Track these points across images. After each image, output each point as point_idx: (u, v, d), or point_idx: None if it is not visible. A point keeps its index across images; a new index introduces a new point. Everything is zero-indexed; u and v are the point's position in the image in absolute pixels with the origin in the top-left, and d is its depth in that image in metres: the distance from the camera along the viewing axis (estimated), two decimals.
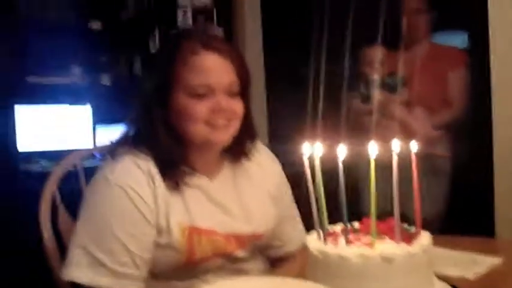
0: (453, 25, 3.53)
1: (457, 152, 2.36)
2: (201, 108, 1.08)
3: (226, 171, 1.21)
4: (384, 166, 0.83)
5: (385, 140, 0.90)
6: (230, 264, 1.17)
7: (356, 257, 0.80)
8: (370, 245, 0.83)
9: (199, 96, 1.08)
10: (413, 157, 0.88)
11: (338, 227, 0.92)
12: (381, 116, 2.27)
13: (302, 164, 0.89)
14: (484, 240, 1.30)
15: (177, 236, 1.08)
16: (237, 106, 1.12)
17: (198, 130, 1.09)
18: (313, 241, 0.88)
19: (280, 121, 2.86)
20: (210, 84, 1.08)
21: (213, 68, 1.09)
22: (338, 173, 0.84)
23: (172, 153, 1.11)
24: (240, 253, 1.18)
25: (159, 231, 1.08)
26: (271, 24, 3.03)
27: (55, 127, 3.15)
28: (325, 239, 0.86)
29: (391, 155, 0.84)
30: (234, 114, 1.12)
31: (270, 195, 1.25)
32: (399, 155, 0.84)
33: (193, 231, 1.10)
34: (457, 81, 2.35)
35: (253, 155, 1.24)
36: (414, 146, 0.89)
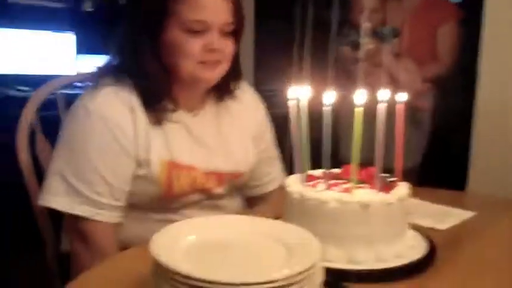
0: None
1: (439, 106, 2.38)
2: (194, 45, 1.06)
3: (209, 109, 1.20)
4: (367, 115, 0.83)
5: (371, 89, 0.89)
6: (208, 200, 1.18)
7: (334, 201, 0.81)
8: (349, 190, 0.83)
9: (194, 32, 1.05)
10: (400, 108, 0.88)
11: (318, 172, 0.93)
12: (370, 65, 2.26)
13: (287, 107, 0.88)
14: (457, 193, 1.33)
15: (156, 169, 1.08)
16: (229, 46, 1.10)
17: (188, 66, 1.07)
18: (293, 183, 0.88)
19: (267, 62, 2.82)
20: (206, 21, 1.05)
21: (211, 5, 1.06)
22: (323, 119, 0.83)
23: (158, 86, 1.09)
24: (219, 190, 1.19)
25: (139, 164, 1.08)
26: None
27: (36, 52, 3.06)
28: (304, 182, 0.87)
29: (376, 103, 0.84)
30: (225, 54, 1.10)
31: (251, 135, 1.25)
32: (384, 104, 0.84)
33: (172, 166, 1.10)
34: (446, 35, 2.33)
35: (237, 95, 1.23)
36: (402, 96, 0.88)
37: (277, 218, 0.92)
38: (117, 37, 1.13)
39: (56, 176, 1.04)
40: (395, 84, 2.22)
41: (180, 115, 1.14)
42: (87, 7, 3.31)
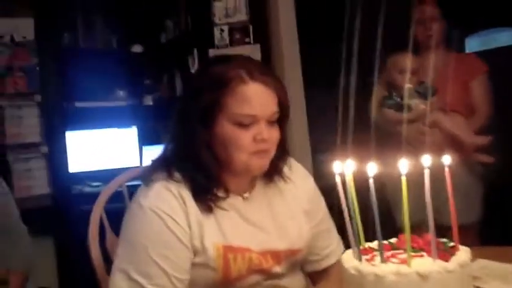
0: (499, 22, 3.47)
1: (498, 157, 2.30)
2: (246, 137, 1.11)
3: (259, 190, 1.23)
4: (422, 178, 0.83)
5: (431, 149, 0.89)
6: (268, 281, 1.19)
7: (391, 274, 0.79)
8: (406, 261, 0.82)
9: (244, 125, 1.11)
10: (447, 170, 0.87)
11: (374, 244, 0.92)
12: (423, 125, 2.24)
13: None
14: None
15: (212, 255, 1.11)
16: (276, 134, 1.15)
17: (242, 158, 1.12)
18: (349, 259, 0.88)
19: (319, 133, 2.86)
20: (255, 115, 1.11)
21: (259, 99, 1.11)
22: (369, 190, 0.84)
23: (212, 177, 1.14)
24: (277, 269, 1.19)
25: (195, 252, 1.11)
26: (307, 38, 3.05)
27: (104, 149, 3.29)
28: (360, 257, 0.86)
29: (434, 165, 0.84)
30: (273, 143, 1.15)
31: (304, 210, 1.26)
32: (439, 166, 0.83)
33: (227, 250, 1.12)
34: (479, 89, 2.34)
35: (285, 173, 1.26)
36: (447, 159, 0.88)
37: None
38: (170, 130, 1.20)
39: (120, 273, 1.09)
40: (453, 142, 2.19)
41: (231, 200, 1.17)
42: (147, 101, 3.55)
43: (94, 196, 1.47)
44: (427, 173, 0.83)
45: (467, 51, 3.72)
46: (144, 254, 1.08)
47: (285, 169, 1.26)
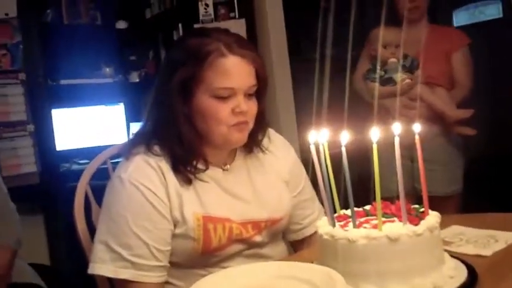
0: None
1: (479, 129, 2.34)
2: (224, 110, 1.12)
3: (238, 162, 1.25)
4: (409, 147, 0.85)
5: (411, 121, 0.92)
6: (249, 250, 1.21)
7: (362, 238, 0.82)
8: (377, 226, 0.85)
9: (223, 98, 1.12)
10: (417, 139, 0.90)
11: (349, 211, 0.94)
12: (407, 98, 2.26)
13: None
14: (505, 216, 1.29)
15: (192, 225, 1.13)
16: (254, 106, 1.17)
17: (221, 131, 1.14)
18: (324, 225, 0.90)
19: (306, 105, 2.88)
20: (233, 88, 1.12)
21: (237, 72, 1.13)
22: (346, 159, 0.86)
23: (192, 150, 1.15)
24: (258, 238, 1.21)
25: (176, 223, 1.13)
26: (292, 12, 3.04)
27: (91, 126, 3.28)
28: (334, 223, 0.89)
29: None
30: (251, 115, 1.16)
31: (284, 180, 1.28)
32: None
33: (207, 220, 1.15)
34: (462, 60, 2.35)
35: (265, 144, 1.28)
36: (417, 127, 0.90)
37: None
38: (149, 104, 1.21)
39: (100, 244, 1.12)
40: (435, 114, 2.21)
41: (211, 172, 1.19)
42: (133, 78, 3.54)
43: (81, 173, 1.48)
44: (397, 140, 0.85)
45: (454, 24, 3.73)
46: (124, 226, 1.10)
47: (265, 140, 1.28)
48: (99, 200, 1.42)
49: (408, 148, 0.85)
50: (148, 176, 1.13)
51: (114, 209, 1.13)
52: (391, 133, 0.87)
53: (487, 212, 1.26)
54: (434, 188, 2.05)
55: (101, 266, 1.10)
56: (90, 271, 1.13)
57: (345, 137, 0.87)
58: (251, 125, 1.18)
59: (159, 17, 3.33)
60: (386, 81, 2.31)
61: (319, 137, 0.91)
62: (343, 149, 0.87)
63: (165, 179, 1.13)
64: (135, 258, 1.09)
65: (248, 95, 1.15)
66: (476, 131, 2.26)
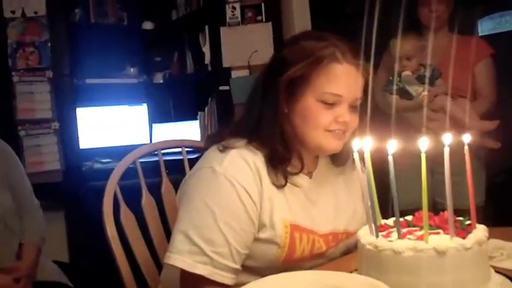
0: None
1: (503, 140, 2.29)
2: (327, 116, 1.10)
3: (321, 169, 1.23)
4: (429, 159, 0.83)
5: (436, 134, 0.89)
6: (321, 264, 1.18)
7: (408, 250, 0.80)
8: (423, 238, 0.83)
9: (328, 104, 1.10)
10: (467, 150, 0.87)
11: (390, 221, 0.92)
12: (430, 110, 2.22)
13: None
14: None
15: (280, 231, 1.10)
16: (356, 120, 1.14)
17: (317, 135, 1.11)
18: (366, 235, 0.89)
19: None
20: (341, 95, 1.10)
21: (348, 80, 1.10)
22: (387, 169, 0.84)
23: (287, 151, 1.13)
24: (335, 253, 1.19)
25: (262, 227, 1.10)
26: (319, 18, 3.02)
27: (115, 126, 3.29)
28: (377, 233, 0.87)
29: (438, 148, 0.84)
30: (352, 128, 1.13)
31: (359, 193, 1.24)
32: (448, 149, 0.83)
33: (294, 229, 1.12)
34: (485, 71, 2.30)
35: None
36: (467, 138, 0.88)
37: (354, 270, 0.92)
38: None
39: (181, 235, 1.06)
40: (458, 126, 2.16)
41: (300, 178, 1.17)
42: (157, 79, 3.55)
43: (104, 172, 1.47)
44: (447, 151, 0.83)
45: (480, 34, 3.67)
46: (211, 220, 1.05)
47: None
48: (126, 201, 1.42)
49: (429, 159, 0.82)
50: (244, 174, 1.09)
51: (201, 201, 1.07)
52: (412, 145, 0.85)
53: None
54: (456, 200, 2.00)
55: (178, 257, 1.05)
56: (166, 261, 1.07)
57: (392, 145, 0.85)
58: (348, 137, 1.14)
59: (185, 19, 3.34)
60: (404, 93, 2.28)
61: (363, 145, 0.89)
62: (390, 158, 0.85)
63: (260, 180, 1.10)
64: (216, 255, 1.04)
65: (352, 107, 1.12)
66: (500, 144, 2.21)
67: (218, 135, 1.18)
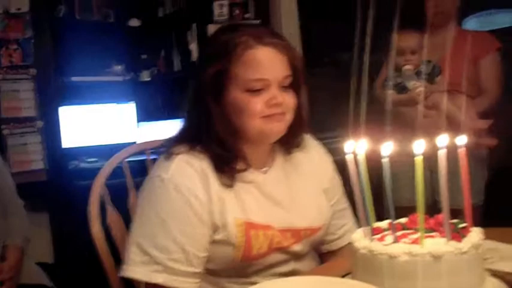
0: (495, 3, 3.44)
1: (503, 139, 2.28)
2: (257, 103, 1.08)
3: (278, 165, 1.21)
4: (428, 157, 0.81)
5: (429, 131, 0.88)
6: (286, 262, 1.17)
7: (404, 255, 0.79)
8: (418, 241, 0.81)
9: (256, 91, 1.08)
10: (462, 151, 0.86)
11: (384, 224, 0.91)
12: (424, 107, 2.21)
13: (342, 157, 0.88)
14: None
15: (233, 231, 1.09)
16: (291, 99, 1.12)
17: (254, 124, 1.09)
18: (360, 238, 0.87)
19: (318, 112, 2.84)
20: (266, 79, 1.08)
21: (268, 62, 1.09)
22: (381, 170, 0.82)
23: (229, 148, 1.11)
24: (297, 247, 1.17)
25: (215, 229, 1.09)
26: (308, 16, 3.00)
27: (101, 124, 3.24)
28: (372, 237, 0.85)
29: (433, 148, 0.82)
30: (288, 107, 1.12)
31: (323, 187, 1.24)
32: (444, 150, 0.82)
33: (249, 226, 1.11)
34: (489, 67, 2.27)
35: (304, 149, 1.24)
36: (462, 139, 0.86)
37: (347, 274, 0.91)
38: (187, 103, 1.17)
39: (134, 247, 1.07)
40: (455, 124, 2.15)
41: (251, 174, 1.15)
42: (144, 77, 3.50)
43: (89, 171, 1.44)
44: (442, 153, 0.81)
45: None
46: (162, 228, 1.05)
47: (304, 145, 1.24)
48: (113, 201, 1.39)
49: (427, 158, 0.81)
50: (190, 178, 1.08)
51: (152, 211, 1.08)
52: (409, 142, 0.83)
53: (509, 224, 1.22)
54: (454, 200, 2.00)
55: (134, 268, 1.06)
56: (122, 274, 1.08)
57: (388, 147, 0.83)
58: (289, 118, 1.13)
59: (172, 16, 3.30)
60: (402, 88, 2.26)
61: (357, 146, 0.87)
62: (385, 160, 0.83)
63: (207, 182, 1.09)
64: (171, 262, 1.04)
65: (284, 88, 1.11)
66: (497, 141, 2.20)
67: (168, 143, 1.17)
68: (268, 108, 1.09)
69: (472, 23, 3.78)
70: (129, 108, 3.33)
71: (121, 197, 1.40)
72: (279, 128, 1.12)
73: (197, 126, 1.13)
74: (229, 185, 1.11)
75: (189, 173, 1.08)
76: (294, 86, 1.13)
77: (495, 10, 3.65)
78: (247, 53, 1.08)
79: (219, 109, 1.10)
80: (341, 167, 1.06)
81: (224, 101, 1.10)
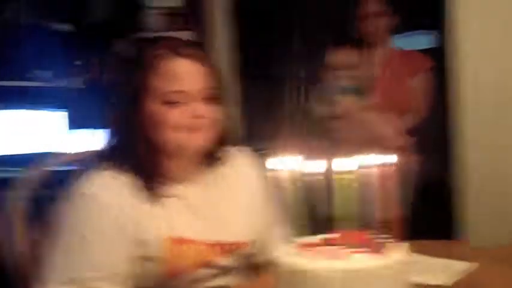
0: (421, 26, 3.60)
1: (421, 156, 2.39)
2: (174, 115, 1.07)
3: (202, 179, 1.19)
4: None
5: (356, 146, 0.89)
6: (215, 277, 1.15)
7: (325, 271, 0.78)
8: (342, 257, 0.81)
9: (173, 103, 1.07)
10: (391, 170, 0.88)
11: (313, 239, 0.90)
12: (351, 122, 2.28)
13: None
14: (451, 244, 1.29)
15: (158, 246, 1.06)
16: (213, 113, 1.11)
17: (172, 137, 1.08)
18: (283, 254, 0.85)
19: (252, 123, 2.84)
20: (183, 91, 1.07)
21: (186, 75, 1.08)
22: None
23: (149, 164, 1.09)
24: (224, 262, 1.15)
25: (139, 245, 1.06)
26: (243, 27, 3.01)
27: (28, 131, 3.08)
28: (295, 252, 0.84)
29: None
30: (210, 120, 1.10)
31: (252, 203, 1.23)
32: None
33: (174, 242, 1.08)
34: (419, 85, 2.38)
35: (231, 162, 1.23)
36: (392, 159, 0.88)
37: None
38: (108, 118, 1.15)
39: (51, 265, 1.02)
40: (378, 140, 2.22)
41: (175, 189, 1.13)
42: (76, 83, 3.38)
43: (5, 182, 1.35)
44: (375, 171, 0.82)
45: None
46: (82, 246, 1.02)
47: (232, 158, 1.22)
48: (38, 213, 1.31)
49: (357, 173, 0.82)
50: (113, 195, 1.05)
51: (71, 227, 1.04)
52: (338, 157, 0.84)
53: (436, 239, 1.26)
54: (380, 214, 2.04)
55: None
56: None
57: (321, 164, 0.83)
58: (210, 131, 1.11)
59: (104, 23, 3.22)
60: (332, 103, 2.33)
61: (291, 162, 0.87)
62: (318, 177, 0.83)
63: (131, 197, 1.06)
64: (89, 281, 1.00)
65: (206, 100, 1.09)
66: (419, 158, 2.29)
67: (92, 157, 1.15)
68: (187, 120, 1.07)
69: (401, 42, 3.94)
70: (59, 116, 3.19)
71: (46, 209, 1.32)
72: (197, 141, 1.10)
73: (118, 141, 1.10)
74: (153, 200, 1.08)
75: (112, 189, 1.05)
76: (216, 98, 1.11)
77: (418, 31, 3.82)
78: (164, 65, 1.07)
79: (137, 123, 1.08)
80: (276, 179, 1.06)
81: (142, 114, 1.08)
